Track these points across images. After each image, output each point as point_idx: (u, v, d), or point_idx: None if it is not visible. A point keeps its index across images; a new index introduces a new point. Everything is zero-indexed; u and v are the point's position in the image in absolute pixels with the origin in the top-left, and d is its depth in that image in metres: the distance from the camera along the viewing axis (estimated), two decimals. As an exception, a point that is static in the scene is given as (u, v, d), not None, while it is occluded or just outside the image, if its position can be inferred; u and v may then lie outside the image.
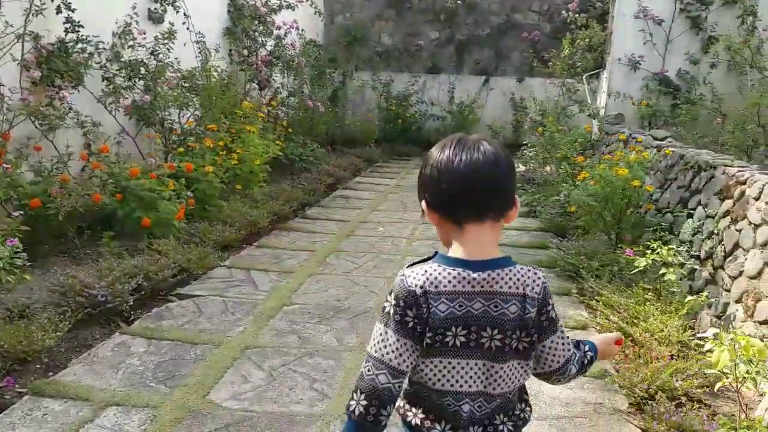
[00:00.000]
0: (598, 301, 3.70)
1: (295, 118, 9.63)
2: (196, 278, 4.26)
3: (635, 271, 3.65)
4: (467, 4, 12.67)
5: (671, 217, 4.73)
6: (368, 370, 1.24)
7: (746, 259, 3.38)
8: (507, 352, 1.25)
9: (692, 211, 4.36)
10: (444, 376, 1.25)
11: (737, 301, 3.35)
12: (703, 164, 4.47)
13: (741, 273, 3.41)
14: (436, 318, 1.21)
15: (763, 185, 3.47)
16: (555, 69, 9.77)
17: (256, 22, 8.44)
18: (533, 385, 2.90)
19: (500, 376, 1.25)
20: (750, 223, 3.47)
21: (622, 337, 1.59)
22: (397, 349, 1.22)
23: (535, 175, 8.39)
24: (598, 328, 3.56)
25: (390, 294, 1.25)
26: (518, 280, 1.25)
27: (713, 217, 3.98)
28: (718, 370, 2.09)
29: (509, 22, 12.67)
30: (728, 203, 3.83)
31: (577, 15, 9.32)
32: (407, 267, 1.28)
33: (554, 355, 1.32)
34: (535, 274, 1.28)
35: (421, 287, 1.21)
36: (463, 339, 1.23)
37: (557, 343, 1.32)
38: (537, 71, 12.55)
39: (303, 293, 4.10)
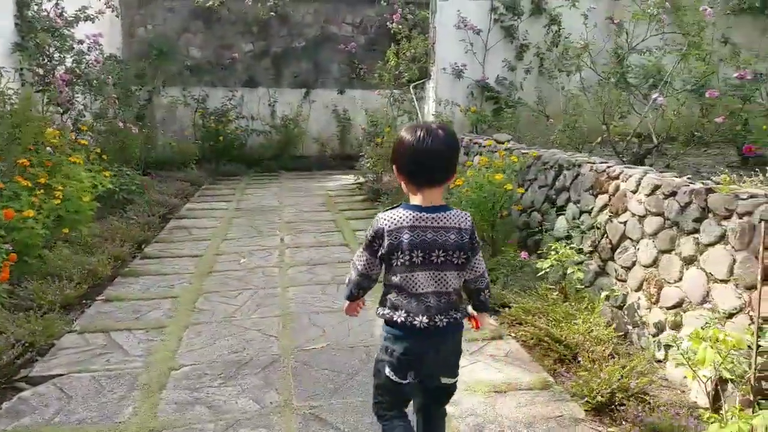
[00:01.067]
0: (509, 308, 3.70)
1: (105, 143, 8.53)
2: (43, 353, 3.41)
3: (541, 273, 3.72)
4: (280, 16, 12.41)
5: (538, 215, 4.97)
6: (351, 270, 2.09)
7: (638, 249, 3.62)
8: (449, 264, 1.97)
9: (563, 209, 4.61)
10: (415, 282, 1.95)
11: (636, 290, 3.56)
12: (565, 163, 4.76)
13: (634, 263, 3.64)
14: (402, 244, 1.92)
15: (640, 179, 3.75)
16: (383, 80, 9.94)
17: (51, 36, 7.30)
18: (489, 413, 2.76)
19: (446, 280, 1.98)
20: (633, 215, 3.73)
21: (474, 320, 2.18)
22: (366, 261, 2.03)
23: (380, 186, 8.41)
24: (514, 335, 3.56)
25: (369, 228, 2.00)
26: (455, 218, 1.98)
27: (589, 213, 4.23)
28: (702, 366, 2.13)
29: (324, 34, 12.68)
30: (604, 198, 4.09)
31: (400, 26, 9.60)
32: (381, 212, 2.01)
33: (476, 268, 2.07)
34: (466, 215, 2.01)
35: (386, 225, 1.95)
36: (422, 258, 1.94)
37: (479, 260, 2.08)
38: (357, 83, 12.78)
39: (188, 351, 3.50)
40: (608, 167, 4.19)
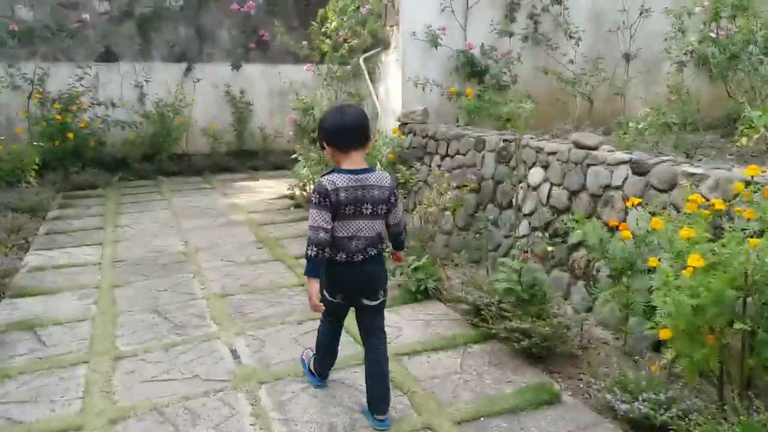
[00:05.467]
0: None
1: None
2: None
3: None
4: (147, -35, 8.79)
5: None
6: (313, 233, 2.33)
7: None
8: (375, 215, 2.41)
9: None
10: (344, 228, 2.38)
11: None
12: None
13: None
14: (340, 200, 2.32)
15: None
16: (316, 49, 6.92)
17: None
18: None
19: (369, 227, 2.42)
20: None
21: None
22: (322, 219, 2.32)
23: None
24: None
25: (314, 192, 2.36)
26: (379, 178, 2.41)
27: None
28: None
29: (209, -11, 9.25)
30: None
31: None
32: (320, 176, 2.42)
33: (396, 215, 2.53)
34: (385, 174, 2.46)
35: (330, 186, 2.33)
36: (353, 210, 2.36)
37: (399, 210, 2.54)
38: (258, 54, 9.60)
39: None
40: None
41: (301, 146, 6.65)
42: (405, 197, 5.03)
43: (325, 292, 2.50)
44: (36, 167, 7.32)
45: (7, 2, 8.13)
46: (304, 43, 7.10)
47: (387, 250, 2.58)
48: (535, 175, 3.99)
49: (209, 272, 4.45)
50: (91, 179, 7.87)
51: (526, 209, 4.03)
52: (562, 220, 3.71)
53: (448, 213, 4.69)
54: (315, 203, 2.34)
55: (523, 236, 3.99)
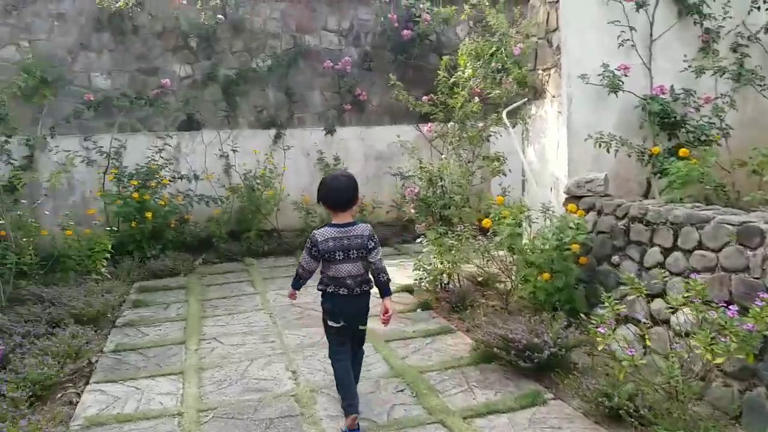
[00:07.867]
0: None
1: None
2: None
3: None
4: (231, 24, 7.73)
5: None
6: (298, 267, 3.14)
7: None
8: (359, 258, 3.00)
9: None
10: (339, 270, 2.99)
11: None
12: None
13: None
14: (329, 248, 2.96)
15: None
16: (441, 105, 5.43)
17: None
18: None
19: (357, 267, 3.01)
20: None
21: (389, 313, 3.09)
22: (307, 261, 3.06)
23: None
24: None
25: (308, 240, 3.06)
26: (360, 229, 3.02)
27: None
28: None
29: (299, 47, 8.06)
30: None
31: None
32: (316, 230, 3.07)
33: (372, 259, 3.02)
34: (366, 226, 3.06)
35: (320, 238, 2.98)
36: (342, 256, 2.98)
37: (375, 254, 3.04)
38: (353, 117, 8.29)
39: None
40: None
41: (426, 225, 5.09)
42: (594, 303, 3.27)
43: (330, 321, 3.06)
44: (108, 255, 6.10)
45: (85, 70, 7.18)
46: (425, 98, 5.62)
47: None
48: None
49: (342, 444, 2.82)
50: (171, 264, 6.57)
51: None
52: None
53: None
54: (307, 248, 3.06)
55: None
